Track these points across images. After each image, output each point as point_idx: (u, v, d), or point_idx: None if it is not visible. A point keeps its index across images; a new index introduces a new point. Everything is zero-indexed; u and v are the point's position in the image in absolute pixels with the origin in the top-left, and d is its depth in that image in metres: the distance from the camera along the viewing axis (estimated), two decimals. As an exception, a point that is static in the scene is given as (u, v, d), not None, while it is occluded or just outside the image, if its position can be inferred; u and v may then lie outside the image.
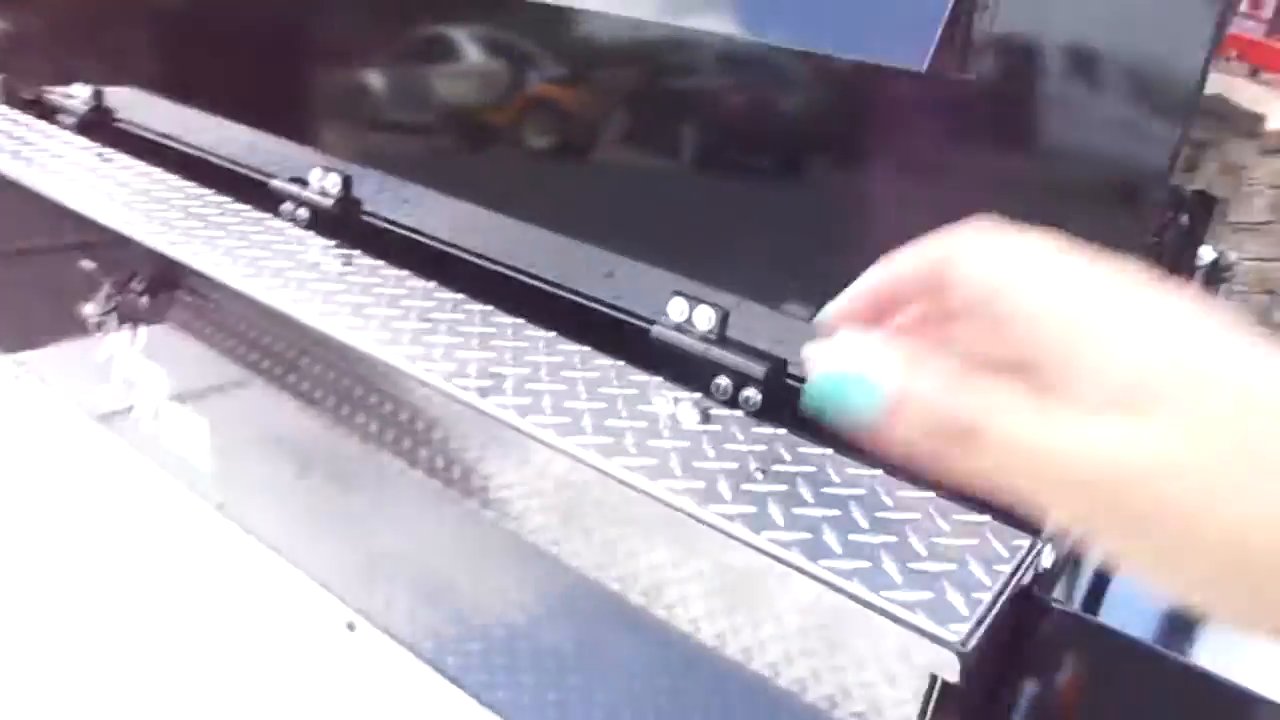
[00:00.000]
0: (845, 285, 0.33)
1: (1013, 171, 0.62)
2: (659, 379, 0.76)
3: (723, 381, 0.75)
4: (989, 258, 0.30)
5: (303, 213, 1.02)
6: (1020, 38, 0.59)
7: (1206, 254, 0.66)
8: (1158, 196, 0.56)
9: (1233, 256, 0.66)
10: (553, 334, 0.80)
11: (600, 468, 0.61)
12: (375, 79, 1.05)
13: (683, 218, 0.83)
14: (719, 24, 0.68)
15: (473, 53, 0.97)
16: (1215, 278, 0.68)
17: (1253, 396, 0.24)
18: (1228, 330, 0.26)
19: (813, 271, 0.73)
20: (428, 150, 1.06)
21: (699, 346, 0.76)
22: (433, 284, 0.88)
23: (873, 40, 0.60)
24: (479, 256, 0.93)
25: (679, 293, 0.78)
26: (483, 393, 0.69)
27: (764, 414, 0.73)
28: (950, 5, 0.58)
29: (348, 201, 0.99)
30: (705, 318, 0.76)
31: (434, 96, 1.02)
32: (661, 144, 0.84)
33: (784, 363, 0.74)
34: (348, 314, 0.80)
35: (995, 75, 0.60)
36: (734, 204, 0.80)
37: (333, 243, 0.96)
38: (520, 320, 0.82)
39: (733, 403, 0.75)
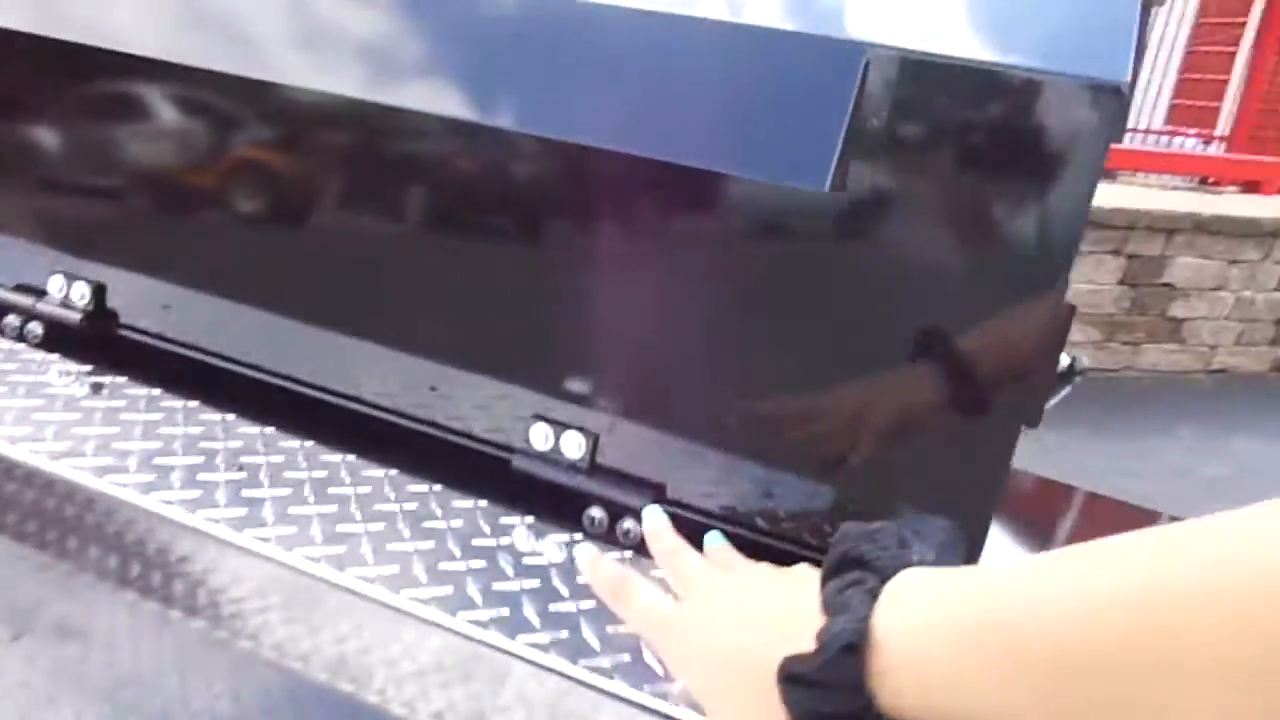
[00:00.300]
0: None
1: (895, 294, 0.61)
2: (530, 518, 0.67)
3: (596, 514, 0.68)
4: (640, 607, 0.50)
5: (35, 328, 0.83)
6: (906, 154, 0.58)
7: (1064, 360, 0.69)
8: (1056, 316, 0.57)
9: (1085, 361, 0.70)
10: (393, 472, 0.70)
11: (530, 659, 0.52)
12: (103, 158, 0.87)
13: (516, 318, 0.75)
14: (590, 132, 0.62)
15: (231, 131, 0.84)
16: (1068, 379, 0.71)
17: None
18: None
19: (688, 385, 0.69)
20: (187, 247, 0.89)
21: (569, 478, 0.69)
22: (231, 416, 0.74)
23: (772, 161, 0.57)
24: (281, 377, 0.80)
25: (540, 417, 0.70)
26: (338, 565, 0.57)
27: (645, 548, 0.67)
28: (845, 127, 0.57)
29: (101, 315, 0.82)
30: (574, 444, 0.69)
31: (185, 179, 0.86)
32: (477, 234, 0.75)
33: (663, 488, 0.69)
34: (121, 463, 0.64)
35: (878, 192, 0.59)
36: (587, 309, 0.74)
37: (87, 367, 0.79)
38: (352, 456, 0.71)
39: (609, 536, 0.68)
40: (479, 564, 0.60)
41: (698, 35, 0.58)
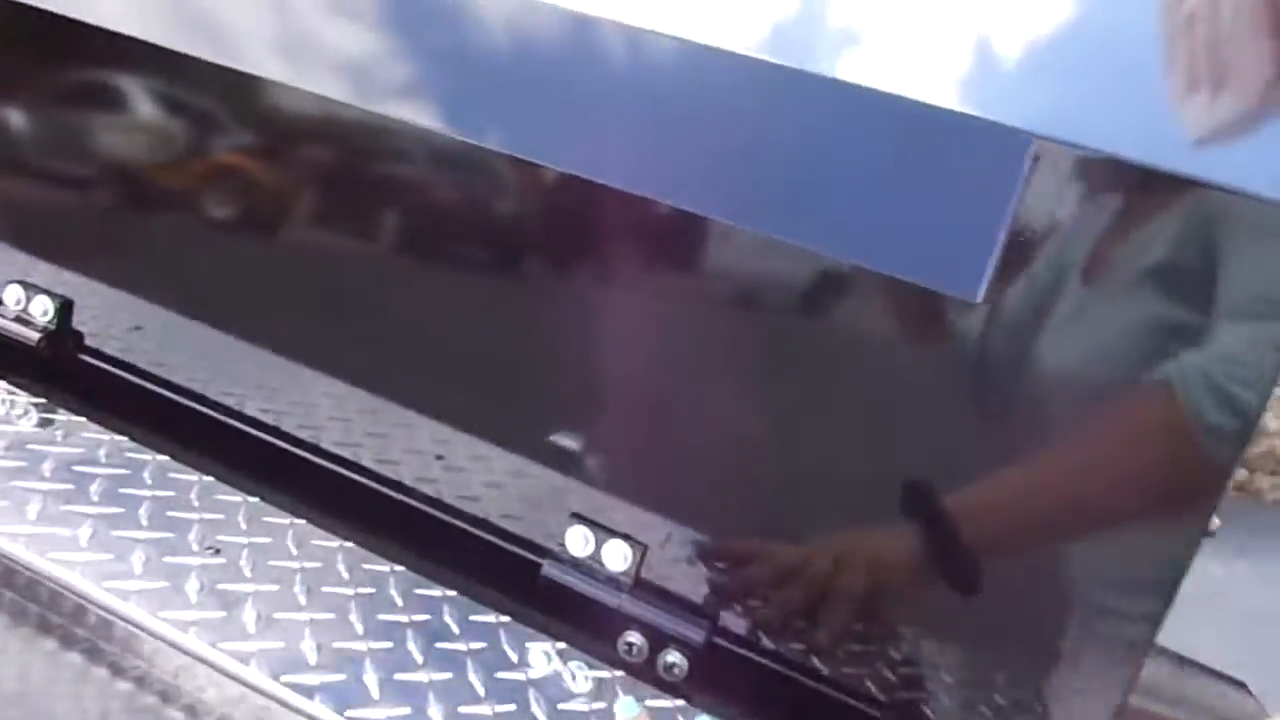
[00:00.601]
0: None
1: (1033, 427, 0.52)
2: (560, 644, 0.56)
3: (635, 640, 0.57)
4: None
5: (-18, 343, 0.70)
6: (1075, 266, 0.49)
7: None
8: (1226, 469, 0.49)
9: (1216, 521, 0.62)
10: (399, 568, 0.58)
11: None
12: (76, 161, 0.73)
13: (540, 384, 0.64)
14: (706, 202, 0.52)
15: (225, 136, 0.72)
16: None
17: None
18: None
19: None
20: (170, 267, 0.77)
21: (607, 594, 0.58)
22: (209, 479, 0.62)
23: (915, 259, 0.48)
24: (266, 429, 0.68)
25: (579, 517, 0.59)
26: (338, 703, 0.46)
27: (692, 687, 0.57)
28: (1005, 229, 0.48)
29: (63, 335, 0.70)
30: (618, 555, 0.58)
31: (174, 188, 0.74)
32: (528, 283, 0.64)
33: (716, 618, 0.59)
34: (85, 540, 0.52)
35: (1034, 308, 0.50)
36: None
37: (40, 399, 0.66)
38: (350, 544, 0.59)
39: (648, 670, 0.57)
40: (507, 708, 0.48)
41: (837, 101, 0.49)
